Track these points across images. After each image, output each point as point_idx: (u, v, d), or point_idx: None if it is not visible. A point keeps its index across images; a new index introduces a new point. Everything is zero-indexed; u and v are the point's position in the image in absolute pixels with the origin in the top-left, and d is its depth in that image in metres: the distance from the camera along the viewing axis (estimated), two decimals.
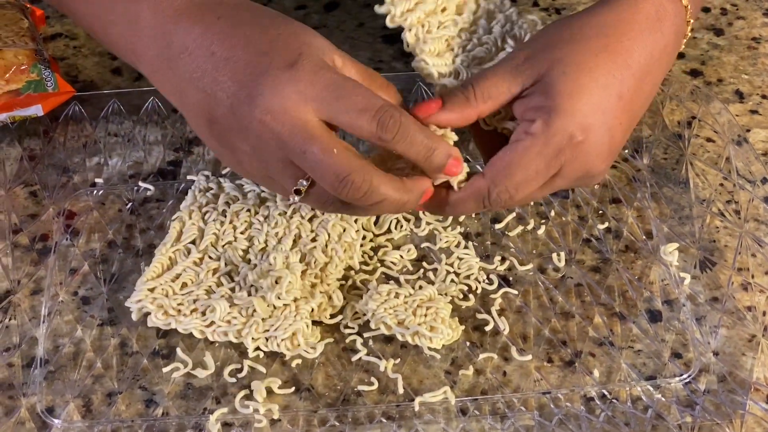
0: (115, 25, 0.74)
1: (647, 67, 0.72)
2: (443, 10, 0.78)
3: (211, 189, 0.84)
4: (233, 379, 0.74)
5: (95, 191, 0.88)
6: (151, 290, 0.77)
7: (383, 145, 0.68)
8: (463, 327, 0.77)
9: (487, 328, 0.77)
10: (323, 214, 0.81)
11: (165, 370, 0.75)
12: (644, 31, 0.73)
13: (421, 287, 0.78)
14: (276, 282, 0.76)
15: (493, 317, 0.78)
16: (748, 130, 0.93)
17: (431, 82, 0.77)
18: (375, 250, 0.82)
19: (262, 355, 0.75)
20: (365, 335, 0.76)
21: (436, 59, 0.76)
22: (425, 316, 0.76)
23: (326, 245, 0.80)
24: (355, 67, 0.70)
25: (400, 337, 0.75)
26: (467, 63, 0.77)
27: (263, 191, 0.83)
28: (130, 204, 0.87)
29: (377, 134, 0.67)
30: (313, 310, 0.77)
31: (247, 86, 0.67)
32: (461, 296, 0.79)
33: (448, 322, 0.76)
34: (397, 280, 0.80)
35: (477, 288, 0.80)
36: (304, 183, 0.69)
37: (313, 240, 0.80)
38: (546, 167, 0.70)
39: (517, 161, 0.70)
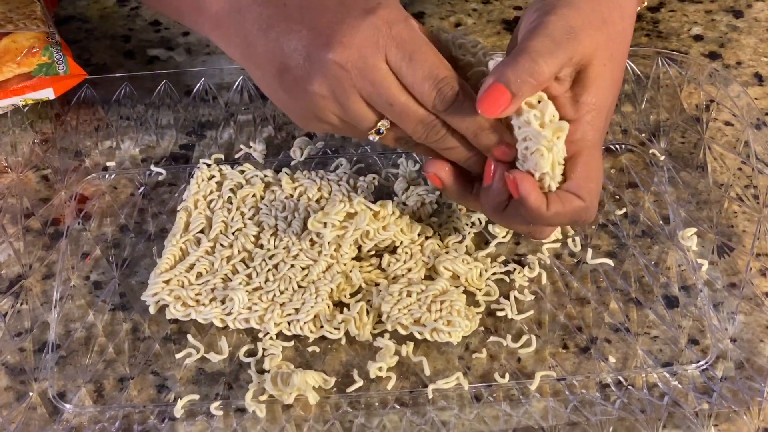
0: None
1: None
2: None
3: (214, 177, 0.84)
4: (249, 359, 0.74)
5: (107, 175, 0.87)
6: (167, 282, 0.77)
7: (437, 113, 0.69)
8: (479, 315, 0.76)
9: (501, 314, 0.76)
10: (329, 195, 0.81)
11: (178, 356, 0.74)
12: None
13: (430, 277, 0.77)
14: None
15: (510, 301, 0.77)
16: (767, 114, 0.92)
17: None
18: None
19: (275, 338, 0.75)
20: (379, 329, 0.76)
21: None
22: (440, 310, 0.75)
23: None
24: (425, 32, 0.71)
25: (418, 336, 0.74)
26: None
27: (266, 176, 0.83)
28: (142, 188, 0.86)
29: (434, 102, 0.68)
30: (332, 290, 0.76)
31: (324, 33, 0.68)
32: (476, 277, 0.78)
33: (464, 312, 0.75)
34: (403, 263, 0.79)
35: (492, 273, 0.79)
36: (386, 124, 0.71)
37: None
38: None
39: (593, 171, 0.70)
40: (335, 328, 0.75)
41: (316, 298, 0.75)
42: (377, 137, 0.71)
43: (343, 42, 0.67)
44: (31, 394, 0.73)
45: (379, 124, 0.71)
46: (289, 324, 0.75)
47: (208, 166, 0.85)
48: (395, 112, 0.69)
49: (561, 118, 0.69)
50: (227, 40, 0.74)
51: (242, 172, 0.84)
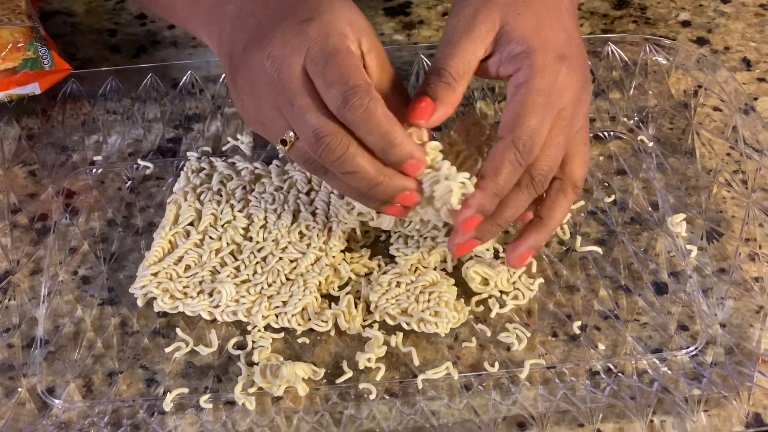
0: None
1: None
2: None
3: (204, 169, 0.84)
4: (239, 352, 0.74)
5: (94, 170, 0.87)
6: (155, 275, 0.76)
7: (345, 123, 0.67)
8: (469, 307, 0.76)
9: (491, 302, 0.76)
10: (319, 186, 0.81)
11: (167, 350, 0.74)
12: None
13: (417, 270, 0.77)
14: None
15: (497, 291, 0.77)
16: (756, 99, 0.92)
17: None
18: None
19: (263, 330, 0.75)
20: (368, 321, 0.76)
21: None
22: (428, 301, 0.74)
23: (326, 219, 0.79)
24: (378, 59, 0.70)
25: (405, 326, 0.74)
26: None
27: (257, 168, 0.83)
28: (129, 182, 0.86)
29: (340, 110, 0.67)
30: (320, 283, 0.76)
31: (264, 30, 0.70)
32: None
33: (452, 305, 0.75)
34: (393, 258, 0.79)
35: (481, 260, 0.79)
36: (291, 135, 0.69)
37: (313, 213, 0.79)
38: (549, 104, 0.69)
39: (524, 109, 0.69)
40: (323, 321, 0.74)
41: (304, 290, 0.75)
42: (284, 149, 0.70)
43: (274, 41, 0.68)
44: (19, 389, 0.72)
45: (285, 134, 0.70)
46: (276, 317, 0.75)
47: (199, 158, 0.85)
48: (294, 114, 0.68)
49: (501, 75, 0.72)
50: (209, 35, 0.76)
51: (232, 164, 0.84)
